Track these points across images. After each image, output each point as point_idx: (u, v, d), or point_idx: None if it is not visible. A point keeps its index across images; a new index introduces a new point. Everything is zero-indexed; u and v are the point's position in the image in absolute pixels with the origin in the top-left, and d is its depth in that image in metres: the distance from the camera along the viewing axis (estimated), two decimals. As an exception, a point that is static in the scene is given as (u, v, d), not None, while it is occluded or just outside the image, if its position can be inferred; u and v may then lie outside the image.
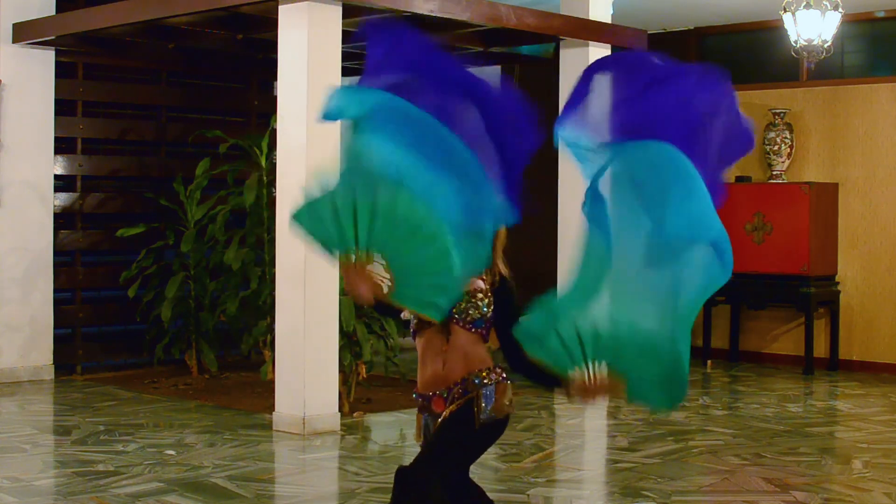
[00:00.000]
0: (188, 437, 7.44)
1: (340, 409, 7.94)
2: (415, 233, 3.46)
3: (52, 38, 9.39)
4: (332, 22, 7.68)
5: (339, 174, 3.51)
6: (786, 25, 9.27)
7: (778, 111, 11.04)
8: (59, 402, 8.84)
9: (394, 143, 3.38)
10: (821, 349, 11.05)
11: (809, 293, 10.64)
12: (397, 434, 7.91)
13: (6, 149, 9.55)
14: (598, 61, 3.60)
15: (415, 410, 4.03)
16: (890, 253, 10.78)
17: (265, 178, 9.47)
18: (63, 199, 10.01)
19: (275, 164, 8.27)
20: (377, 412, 8.36)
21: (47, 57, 9.74)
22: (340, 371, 7.97)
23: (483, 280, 3.91)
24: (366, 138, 3.43)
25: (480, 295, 3.87)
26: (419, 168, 3.37)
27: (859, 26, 11.05)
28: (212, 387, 9.43)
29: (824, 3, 9.11)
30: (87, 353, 10.18)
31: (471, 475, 3.99)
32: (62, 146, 10.02)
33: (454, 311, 3.84)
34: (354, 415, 8.18)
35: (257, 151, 9.61)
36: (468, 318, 3.84)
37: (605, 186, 3.43)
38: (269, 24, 8.51)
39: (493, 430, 3.91)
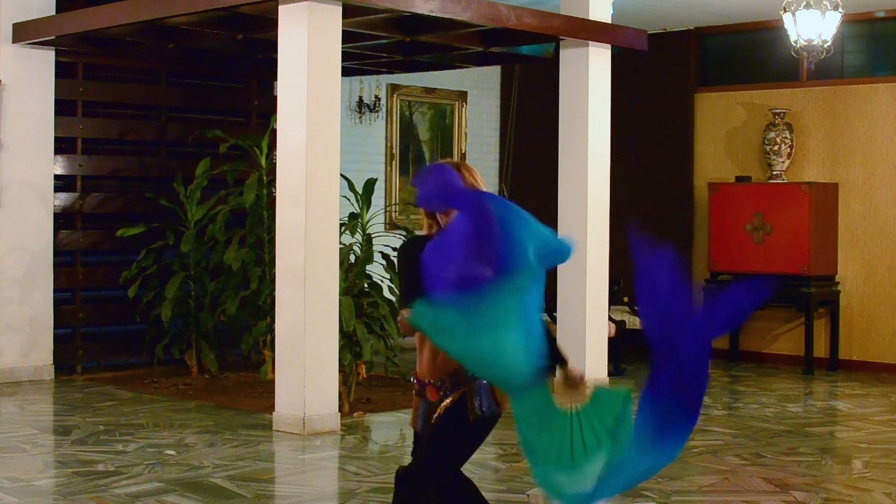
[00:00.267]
0: (188, 437, 7.44)
1: (340, 409, 7.94)
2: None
3: (52, 38, 9.39)
4: (332, 22, 7.68)
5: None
6: (786, 25, 9.26)
7: (778, 111, 11.04)
8: (59, 402, 8.84)
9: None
10: (821, 349, 11.05)
11: (809, 293, 10.64)
12: (397, 434, 7.91)
13: (6, 149, 9.54)
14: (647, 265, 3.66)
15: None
16: (890, 253, 10.78)
17: (265, 178, 9.47)
18: (63, 199, 10.01)
19: (275, 164, 8.27)
20: (377, 412, 8.36)
21: (47, 57, 9.73)
22: (340, 371, 7.97)
23: None
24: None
25: None
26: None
27: (859, 26, 11.05)
28: (212, 387, 9.43)
29: (824, 3, 9.11)
30: (87, 353, 10.17)
31: (471, 476, 4.00)
32: (62, 146, 10.01)
33: None
34: (354, 415, 8.18)
35: (257, 151, 9.60)
36: None
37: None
38: (269, 24, 8.51)
39: (488, 424, 3.96)
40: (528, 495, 6.04)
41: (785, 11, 9.21)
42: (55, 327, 9.86)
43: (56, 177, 9.92)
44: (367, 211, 9.24)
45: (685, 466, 6.80)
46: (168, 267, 9.97)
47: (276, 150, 8.08)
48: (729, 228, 11.07)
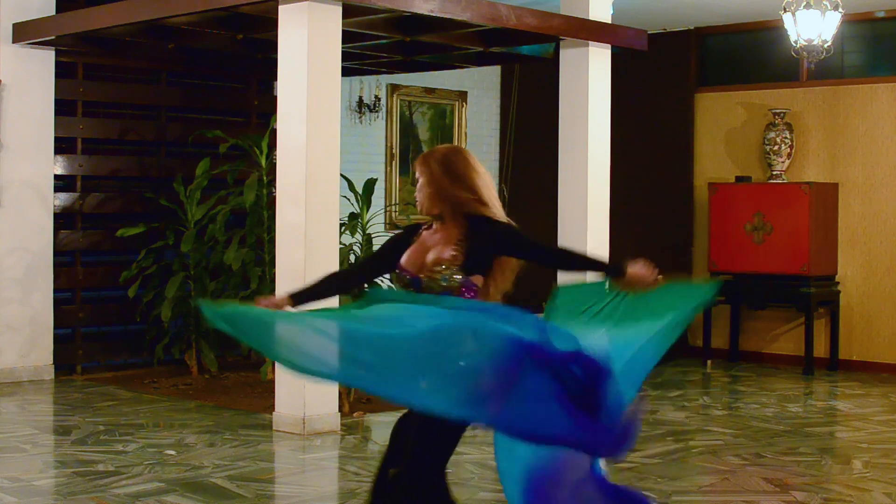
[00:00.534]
0: (188, 437, 7.44)
1: (340, 409, 7.94)
2: None
3: (52, 38, 9.39)
4: (332, 22, 7.68)
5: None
6: (786, 25, 9.26)
7: (778, 111, 11.04)
8: (59, 402, 8.84)
9: None
10: (821, 349, 11.05)
11: (809, 293, 10.64)
12: (397, 434, 7.90)
13: (6, 149, 9.55)
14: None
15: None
16: (890, 253, 10.78)
17: (265, 178, 9.47)
18: (63, 199, 10.01)
19: (275, 164, 8.27)
20: (377, 412, 8.36)
21: (47, 57, 9.73)
22: (340, 371, 7.96)
23: (454, 249, 3.93)
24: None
25: (440, 267, 3.89)
26: None
27: (859, 26, 11.05)
28: (212, 387, 9.43)
29: (824, 3, 9.10)
30: (87, 353, 10.17)
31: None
32: (62, 146, 10.01)
33: (423, 287, 3.90)
34: (354, 415, 8.18)
35: (257, 151, 9.60)
36: (437, 293, 3.88)
37: None
38: (269, 24, 8.51)
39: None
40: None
41: (785, 11, 9.21)
42: (55, 327, 9.86)
43: (56, 177, 9.93)
44: (367, 211, 9.24)
45: (685, 466, 6.80)
46: (168, 267, 9.97)
47: (276, 150, 8.08)
48: (729, 228, 11.07)
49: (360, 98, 11.94)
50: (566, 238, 9.17)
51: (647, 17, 11.17)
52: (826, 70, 11.05)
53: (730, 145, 11.72)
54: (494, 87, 13.14)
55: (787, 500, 6.05)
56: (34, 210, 9.71)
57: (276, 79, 8.51)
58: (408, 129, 12.44)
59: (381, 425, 8.08)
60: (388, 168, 12.25)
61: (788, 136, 11.07)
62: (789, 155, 11.10)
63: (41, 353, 9.76)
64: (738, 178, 11.24)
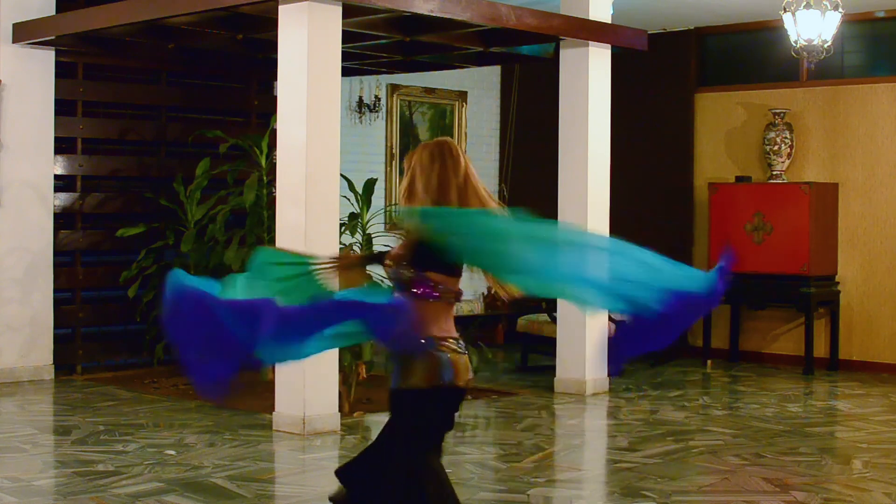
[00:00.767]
0: (188, 437, 7.44)
1: (340, 409, 7.94)
2: None
3: (52, 38, 9.39)
4: (332, 22, 7.68)
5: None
6: (786, 25, 9.26)
7: (778, 111, 11.04)
8: (59, 402, 8.84)
9: None
10: (821, 349, 11.05)
11: (809, 293, 10.64)
12: (397, 434, 7.90)
13: (6, 149, 9.55)
14: None
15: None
16: (890, 253, 10.78)
17: (265, 178, 9.46)
18: (63, 199, 10.01)
19: (275, 164, 8.27)
20: (377, 412, 8.35)
21: (47, 57, 9.73)
22: (340, 371, 7.96)
23: (402, 246, 3.97)
24: None
25: (388, 262, 3.94)
26: None
27: (859, 26, 11.05)
28: (212, 387, 9.41)
29: (824, 3, 9.10)
30: (87, 353, 10.18)
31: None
32: (62, 146, 10.01)
33: (390, 279, 3.97)
34: (354, 415, 8.18)
35: (257, 151, 9.60)
36: (396, 286, 3.92)
37: None
38: (269, 24, 8.51)
39: (449, 398, 3.93)
40: (528, 495, 6.04)
41: (785, 11, 9.21)
42: (55, 327, 9.86)
43: (56, 177, 9.93)
44: (367, 211, 9.24)
45: (685, 466, 6.80)
46: (168, 267, 9.95)
47: (276, 150, 8.08)
48: (729, 228, 11.07)
49: (360, 98, 11.94)
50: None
51: (647, 17, 11.17)
52: (826, 70, 11.05)
53: (730, 145, 11.72)
54: (494, 87, 13.14)
55: (787, 500, 6.05)
56: (34, 210, 9.71)
57: (276, 79, 8.51)
58: (408, 129, 12.44)
59: (381, 425, 8.06)
60: (388, 168, 12.25)
61: (788, 136, 11.07)
62: (789, 155, 11.10)
63: (41, 353, 9.76)
64: (738, 178, 11.25)
